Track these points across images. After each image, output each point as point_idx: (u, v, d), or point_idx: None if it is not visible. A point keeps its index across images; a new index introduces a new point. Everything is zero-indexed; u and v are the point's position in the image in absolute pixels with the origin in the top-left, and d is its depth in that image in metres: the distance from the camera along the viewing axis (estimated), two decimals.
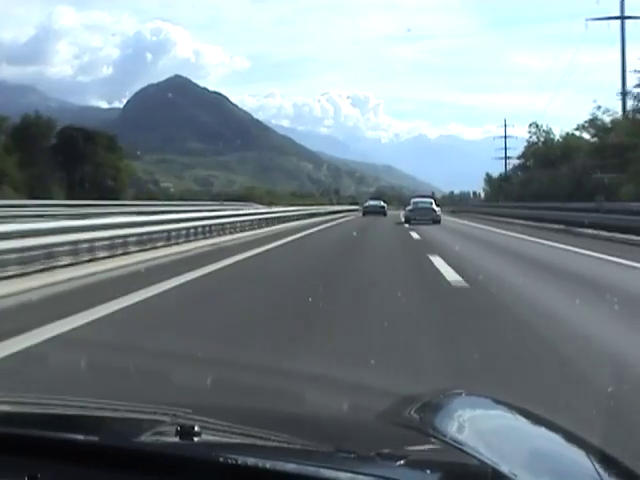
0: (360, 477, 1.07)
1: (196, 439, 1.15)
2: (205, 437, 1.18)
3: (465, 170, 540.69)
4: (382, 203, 55.40)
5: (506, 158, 74.35)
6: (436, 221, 34.70)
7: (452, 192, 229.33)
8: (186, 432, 1.16)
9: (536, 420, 1.57)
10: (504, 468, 1.10)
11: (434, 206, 37.20)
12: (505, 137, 76.79)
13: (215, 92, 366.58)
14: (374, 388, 3.20)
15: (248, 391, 3.20)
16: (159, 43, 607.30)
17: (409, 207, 38.39)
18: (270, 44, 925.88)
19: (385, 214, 49.29)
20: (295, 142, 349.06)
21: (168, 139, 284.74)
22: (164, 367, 4.24)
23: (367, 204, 56.53)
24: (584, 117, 51.58)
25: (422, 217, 34.89)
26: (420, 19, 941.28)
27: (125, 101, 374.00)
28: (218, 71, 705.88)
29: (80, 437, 1.20)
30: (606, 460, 1.28)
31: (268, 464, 1.06)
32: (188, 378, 3.77)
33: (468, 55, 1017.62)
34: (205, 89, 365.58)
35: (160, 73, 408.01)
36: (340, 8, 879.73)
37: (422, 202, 38.71)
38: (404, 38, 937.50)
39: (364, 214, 50.18)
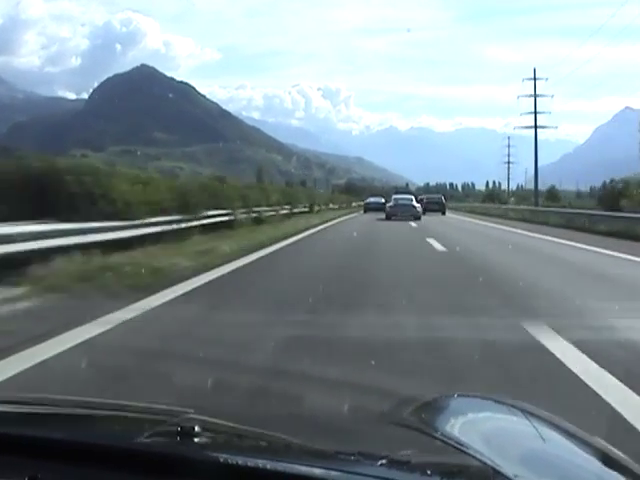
0: (360, 478, 1.07)
1: (196, 440, 1.16)
2: (205, 438, 1.18)
3: (437, 162, 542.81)
4: (382, 200, 53.52)
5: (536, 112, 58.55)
6: (417, 217, 36.09)
7: (427, 184, 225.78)
8: (186, 433, 1.17)
9: (538, 420, 1.53)
10: (505, 469, 1.10)
11: (414, 202, 39.48)
12: (535, 87, 59.61)
13: (182, 82, 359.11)
14: (374, 388, 3.18)
15: (248, 392, 3.15)
16: (129, 34, 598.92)
17: (390, 203, 40.32)
18: (242, 36, 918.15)
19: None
20: (265, 134, 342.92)
21: (133, 130, 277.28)
22: (165, 368, 4.07)
23: (368, 200, 57.10)
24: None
25: (403, 213, 36.40)
26: (392, 12, 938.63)
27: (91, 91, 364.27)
28: (188, 62, 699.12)
29: (81, 437, 1.20)
30: (608, 460, 1.28)
31: (268, 465, 1.07)
32: (189, 378, 3.60)
33: (439, 48, 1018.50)
34: (172, 79, 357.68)
35: (129, 64, 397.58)
36: (313, 0, 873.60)
37: (402, 199, 40.56)
38: (376, 31, 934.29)
39: (365, 211, 52.08)
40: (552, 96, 60.73)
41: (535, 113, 58.48)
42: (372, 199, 56.74)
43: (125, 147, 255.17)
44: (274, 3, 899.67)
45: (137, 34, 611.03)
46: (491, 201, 75.97)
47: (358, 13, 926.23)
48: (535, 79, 59.26)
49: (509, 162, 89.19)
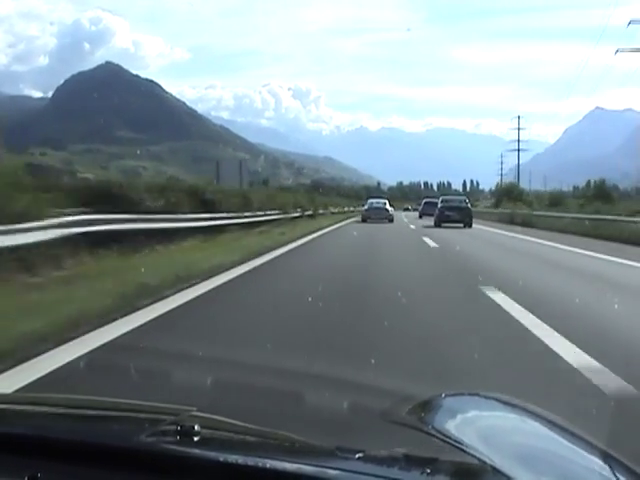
0: (360, 476, 1.07)
1: (196, 439, 1.15)
2: (206, 437, 1.18)
3: (407, 162, 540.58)
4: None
5: None
6: (390, 220, 38.46)
7: (401, 183, 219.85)
8: (187, 432, 1.16)
9: (538, 419, 1.53)
10: (504, 468, 1.10)
11: (387, 206, 41.04)
12: None
13: (148, 80, 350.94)
14: (374, 387, 3.26)
15: (249, 390, 3.16)
16: (98, 33, 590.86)
17: (365, 207, 42.16)
18: (213, 36, 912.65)
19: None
20: (232, 133, 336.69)
21: (97, 128, 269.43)
22: (165, 366, 4.04)
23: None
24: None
25: (376, 216, 38.76)
26: (363, 12, 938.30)
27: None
28: (158, 62, 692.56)
29: (81, 436, 1.20)
30: (609, 460, 1.27)
31: (268, 464, 1.07)
32: (189, 377, 3.65)
33: (410, 48, 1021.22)
34: (137, 76, 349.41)
35: (97, 63, 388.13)
36: (284, 0, 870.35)
37: (377, 202, 42.38)
38: (347, 31, 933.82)
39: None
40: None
41: None
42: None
43: (87, 146, 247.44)
44: (245, 3, 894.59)
45: (106, 33, 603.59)
46: (510, 203, 52.57)
47: (329, 14, 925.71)
48: None
49: (519, 149, 79.64)
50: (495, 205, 61.41)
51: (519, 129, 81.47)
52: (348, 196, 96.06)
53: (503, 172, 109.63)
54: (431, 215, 38.48)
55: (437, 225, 33.21)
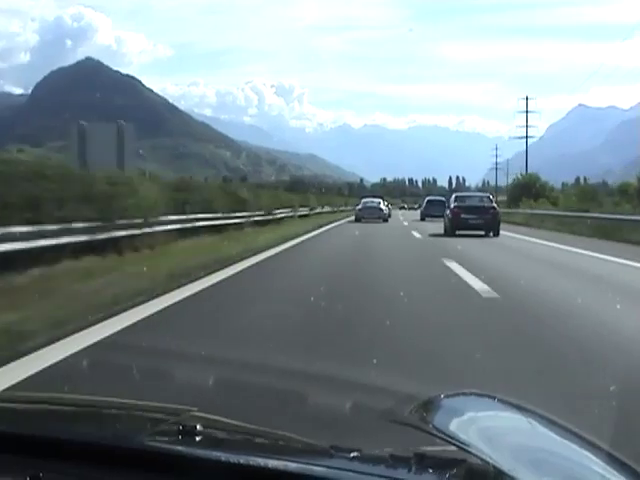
0: (362, 476, 1.07)
1: (198, 439, 1.16)
2: (207, 436, 1.18)
3: (390, 159, 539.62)
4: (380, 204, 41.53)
5: None
6: (384, 219, 38.20)
7: (384, 179, 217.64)
8: (188, 432, 1.17)
9: (540, 419, 1.53)
10: (507, 467, 1.10)
11: (382, 205, 40.41)
12: None
13: (128, 75, 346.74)
14: (376, 386, 3.30)
15: (250, 390, 3.22)
16: (80, 29, 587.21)
17: (359, 206, 40.71)
18: (196, 33, 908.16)
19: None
20: (214, 130, 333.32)
21: (75, 124, 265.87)
22: (166, 366, 4.09)
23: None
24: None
25: (370, 215, 38.11)
26: (348, 10, 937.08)
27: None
28: (140, 59, 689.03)
29: (82, 436, 1.20)
30: (612, 461, 1.27)
31: (270, 463, 1.07)
32: (190, 377, 3.70)
33: (393, 46, 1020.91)
34: (118, 72, 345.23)
35: (79, 59, 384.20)
36: None
37: (371, 202, 41.08)
38: (331, 29, 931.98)
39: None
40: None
41: None
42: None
43: (65, 142, 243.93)
44: (229, 0, 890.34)
45: (88, 30, 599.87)
46: (530, 200, 43.43)
47: (313, 11, 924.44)
48: None
49: (527, 136, 70.43)
50: (509, 204, 50.40)
51: (527, 112, 71.86)
52: (330, 193, 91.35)
53: (488, 168, 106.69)
54: (436, 217, 32.71)
55: (449, 233, 24.03)
